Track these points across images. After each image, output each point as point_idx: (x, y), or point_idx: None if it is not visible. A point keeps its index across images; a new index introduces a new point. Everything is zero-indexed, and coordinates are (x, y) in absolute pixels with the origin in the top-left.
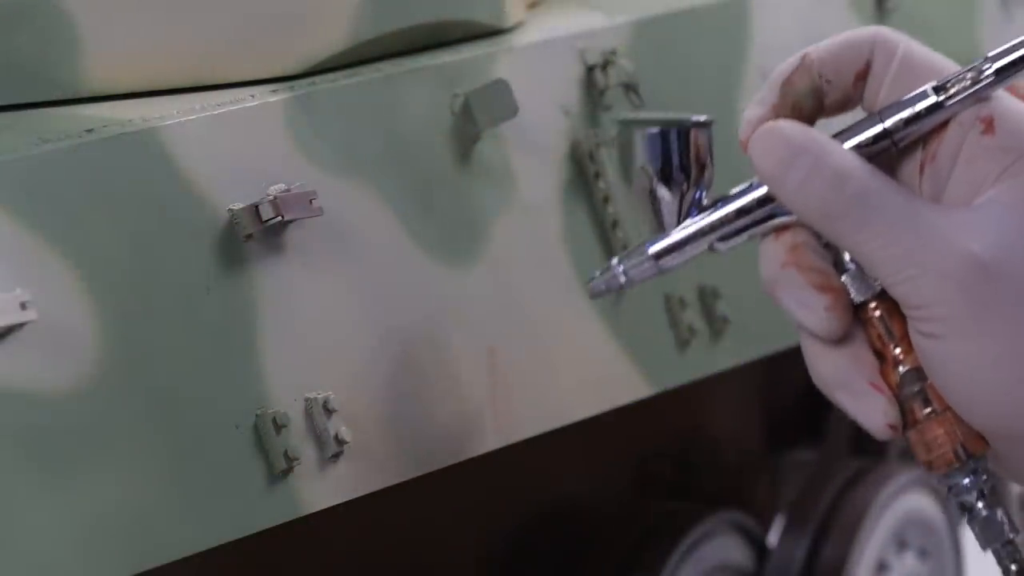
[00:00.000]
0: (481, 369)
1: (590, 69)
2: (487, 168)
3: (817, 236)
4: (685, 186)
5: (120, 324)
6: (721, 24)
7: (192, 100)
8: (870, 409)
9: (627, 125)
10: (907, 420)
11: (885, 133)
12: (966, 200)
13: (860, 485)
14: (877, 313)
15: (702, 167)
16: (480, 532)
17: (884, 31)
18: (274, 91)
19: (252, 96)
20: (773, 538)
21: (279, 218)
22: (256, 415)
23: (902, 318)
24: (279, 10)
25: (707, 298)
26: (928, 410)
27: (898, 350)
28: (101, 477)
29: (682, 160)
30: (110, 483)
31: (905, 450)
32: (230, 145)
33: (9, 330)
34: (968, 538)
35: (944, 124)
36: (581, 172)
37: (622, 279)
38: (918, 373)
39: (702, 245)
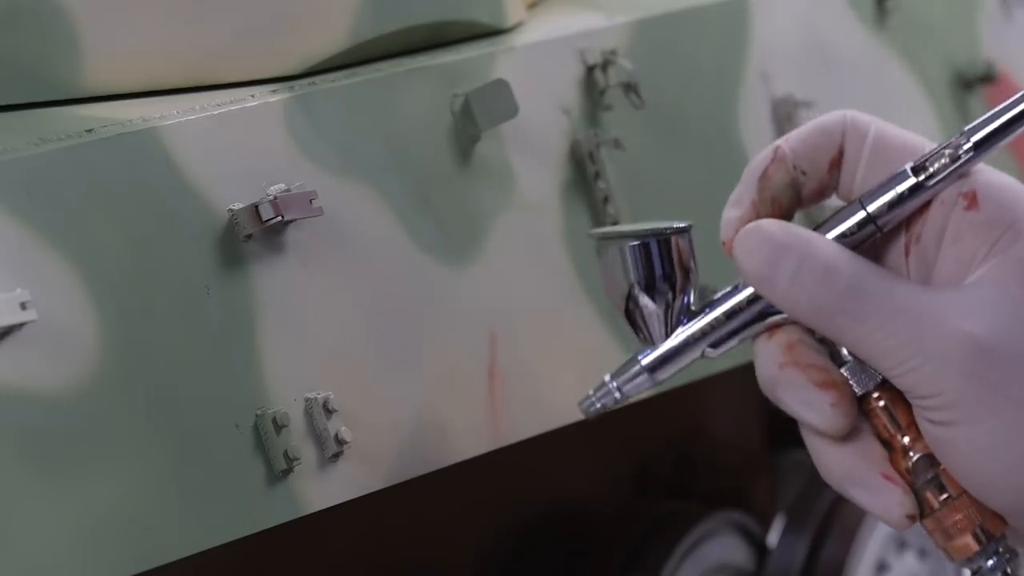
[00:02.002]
0: (481, 369)
1: (590, 69)
2: (487, 168)
3: (811, 332)
4: (671, 295)
5: (120, 324)
6: (721, 24)
7: (192, 100)
8: (886, 502)
9: (604, 240)
10: (923, 508)
11: (869, 219)
12: (956, 279)
13: None
14: (881, 403)
15: (687, 272)
16: (480, 532)
17: (852, 115)
18: (274, 91)
19: (252, 96)
20: (773, 538)
21: (279, 218)
22: (256, 415)
23: (906, 405)
24: (279, 10)
25: (707, 298)
26: (944, 496)
27: (906, 439)
28: (101, 477)
29: (665, 269)
30: (110, 483)
31: None
32: (230, 145)
33: (9, 330)
34: None
35: (926, 204)
36: (581, 172)
37: (617, 395)
38: (930, 460)
39: (695, 352)
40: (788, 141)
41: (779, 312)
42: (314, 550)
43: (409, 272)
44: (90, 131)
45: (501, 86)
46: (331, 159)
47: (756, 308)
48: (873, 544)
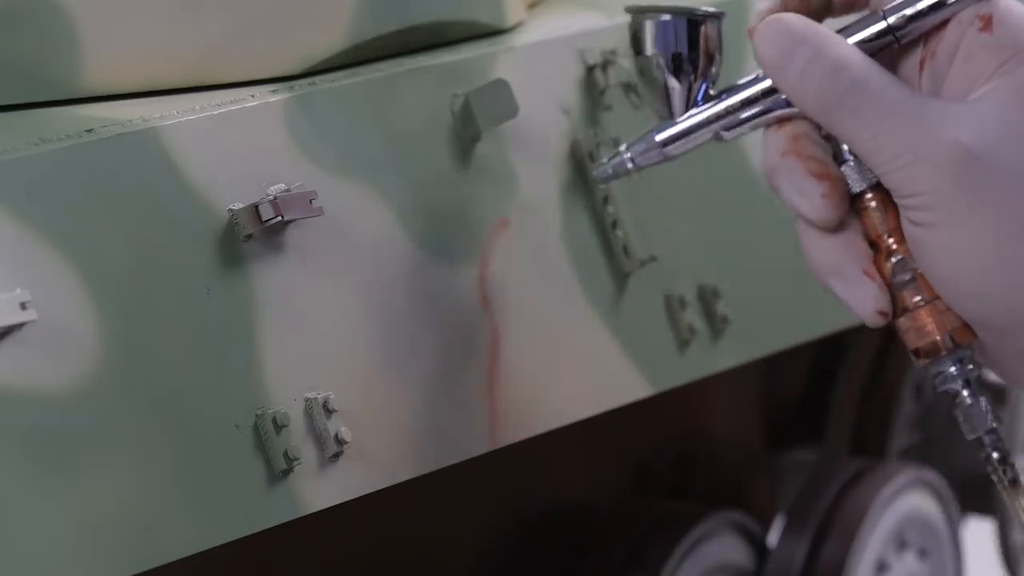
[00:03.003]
0: (481, 369)
1: (590, 69)
2: (487, 168)
3: (817, 128)
4: (693, 76)
5: (120, 324)
6: None
7: (192, 100)
8: (861, 295)
9: (639, 12)
10: (897, 308)
11: (888, 29)
12: (962, 95)
13: (860, 485)
14: (872, 204)
15: (711, 59)
16: (480, 532)
17: None
18: (274, 91)
19: (252, 96)
20: (773, 538)
21: (279, 218)
22: (256, 415)
23: (896, 209)
24: (279, 10)
25: (707, 298)
26: (918, 298)
27: (891, 240)
28: (101, 477)
29: (691, 50)
30: (110, 483)
31: (905, 450)
32: (230, 145)
33: (9, 330)
34: (968, 538)
35: (945, 23)
36: (581, 172)
37: (629, 164)
38: (909, 262)
39: (707, 134)
40: None
41: (791, 107)
42: (314, 550)
43: (409, 272)
44: (90, 131)
45: (501, 86)
46: (331, 159)
47: (771, 100)
48: (873, 544)
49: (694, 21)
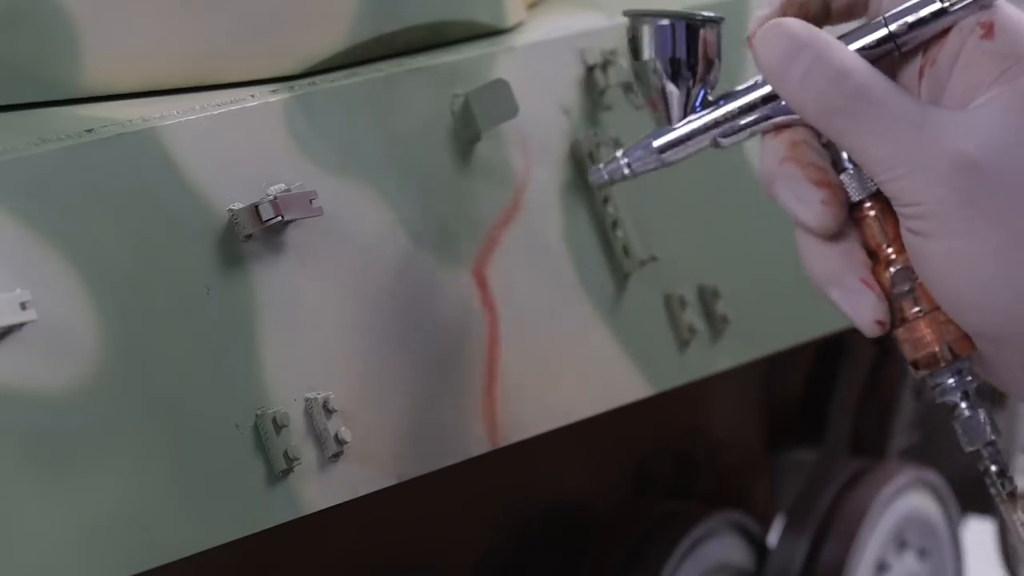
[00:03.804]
0: (481, 369)
1: (590, 69)
2: (487, 168)
3: (817, 135)
4: (691, 82)
5: (120, 324)
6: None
7: (192, 100)
8: (860, 305)
9: (637, 16)
10: (896, 318)
11: (889, 37)
12: (963, 103)
13: (860, 485)
14: (872, 213)
15: (709, 64)
16: (480, 532)
17: None
18: (274, 91)
19: (252, 96)
20: (773, 538)
21: (279, 218)
22: (256, 415)
23: (896, 219)
24: (279, 10)
25: (707, 298)
26: (917, 309)
27: (890, 250)
28: (101, 477)
29: (690, 55)
30: (110, 483)
31: (905, 450)
32: (230, 145)
33: (9, 330)
34: (968, 538)
35: (945, 31)
36: (581, 172)
37: (626, 170)
38: (909, 272)
39: (705, 140)
40: None
41: (791, 114)
42: (314, 550)
43: (409, 272)
44: (90, 131)
45: (501, 86)
46: (331, 159)
47: (770, 107)
48: (873, 544)
49: (693, 25)
